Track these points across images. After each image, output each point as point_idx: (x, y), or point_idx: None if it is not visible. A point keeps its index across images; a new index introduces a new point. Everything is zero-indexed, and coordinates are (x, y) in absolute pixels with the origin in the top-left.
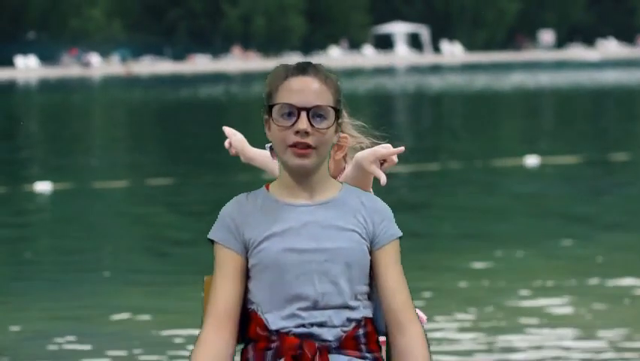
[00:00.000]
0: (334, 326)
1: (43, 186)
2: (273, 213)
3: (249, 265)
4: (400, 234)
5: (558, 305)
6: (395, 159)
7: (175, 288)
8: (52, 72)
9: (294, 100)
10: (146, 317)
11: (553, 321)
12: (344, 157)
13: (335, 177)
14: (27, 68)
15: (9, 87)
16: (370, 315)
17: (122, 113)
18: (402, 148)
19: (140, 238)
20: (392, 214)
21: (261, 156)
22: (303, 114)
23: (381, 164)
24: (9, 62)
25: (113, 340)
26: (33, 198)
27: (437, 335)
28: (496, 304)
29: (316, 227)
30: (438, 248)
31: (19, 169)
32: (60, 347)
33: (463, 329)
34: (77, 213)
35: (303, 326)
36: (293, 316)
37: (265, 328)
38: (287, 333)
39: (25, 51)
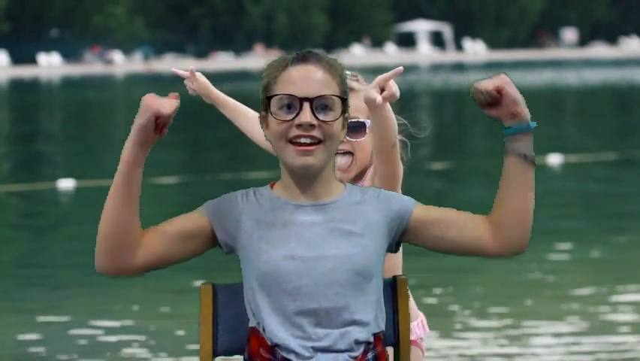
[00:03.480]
0: (340, 351)
1: (66, 184)
2: (274, 212)
3: (245, 270)
4: (414, 201)
5: (577, 304)
6: (396, 91)
7: (195, 286)
8: (75, 69)
9: (295, 90)
10: (170, 313)
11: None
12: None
13: (364, 172)
14: (50, 65)
15: (32, 85)
16: (382, 328)
17: None
18: (400, 68)
19: None
20: (397, 194)
21: (231, 103)
22: (306, 105)
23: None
24: (32, 60)
25: (135, 335)
26: (56, 196)
27: (457, 334)
28: (515, 303)
29: (321, 230)
30: None
31: (42, 166)
32: (85, 342)
33: (484, 326)
34: (101, 210)
35: (306, 348)
36: (295, 332)
37: (268, 349)
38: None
39: (48, 49)
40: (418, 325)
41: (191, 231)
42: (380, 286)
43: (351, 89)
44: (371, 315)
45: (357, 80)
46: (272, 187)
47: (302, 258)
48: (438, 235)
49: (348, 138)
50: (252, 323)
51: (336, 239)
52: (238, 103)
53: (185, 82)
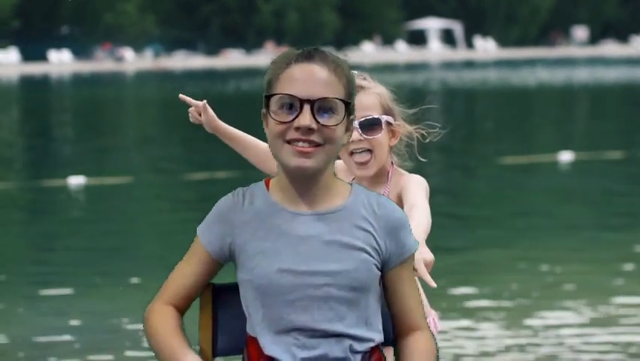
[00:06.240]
0: (336, 359)
1: (76, 180)
2: (270, 220)
3: (240, 279)
4: (416, 248)
5: (586, 299)
6: (431, 259)
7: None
8: (86, 67)
9: (296, 90)
10: None
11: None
12: (390, 149)
13: (385, 171)
14: (60, 62)
15: (43, 82)
16: (379, 340)
17: (155, 107)
18: (434, 285)
19: (173, 233)
20: (407, 222)
21: (240, 136)
22: (306, 107)
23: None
24: (43, 57)
25: (136, 335)
26: (66, 192)
27: (469, 332)
28: (527, 302)
29: (318, 243)
30: (468, 244)
31: (52, 163)
32: (85, 342)
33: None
34: (110, 207)
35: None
36: (287, 345)
37: (267, 359)
38: None
39: (58, 46)
40: (430, 323)
41: (204, 278)
42: (377, 298)
43: (361, 87)
44: (367, 329)
45: (365, 79)
46: (267, 186)
47: (296, 272)
48: (387, 296)
49: (364, 135)
50: (249, 330)
51: (333, 253)
52: (247, 136)
53: (191, 110)
